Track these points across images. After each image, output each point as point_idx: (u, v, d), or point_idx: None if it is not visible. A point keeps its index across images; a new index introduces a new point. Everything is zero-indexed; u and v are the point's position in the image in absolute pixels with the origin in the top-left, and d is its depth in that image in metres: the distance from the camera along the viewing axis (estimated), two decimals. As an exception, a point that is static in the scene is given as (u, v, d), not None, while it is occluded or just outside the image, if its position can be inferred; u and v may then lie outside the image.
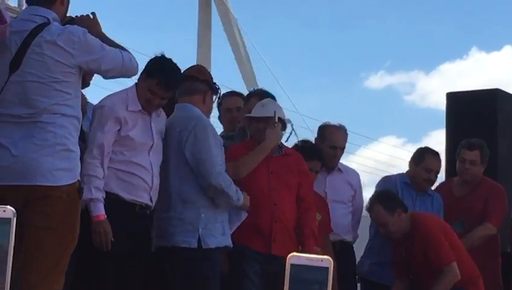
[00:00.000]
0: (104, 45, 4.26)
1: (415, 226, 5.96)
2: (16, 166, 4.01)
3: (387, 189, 6.36)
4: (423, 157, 6.47)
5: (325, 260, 1.36)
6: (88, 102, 5.13)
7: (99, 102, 4.82)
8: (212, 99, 5.21)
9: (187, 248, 4.83)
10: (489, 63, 45.50)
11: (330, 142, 6.47)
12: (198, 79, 5.04)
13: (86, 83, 5.20)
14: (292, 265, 1.35)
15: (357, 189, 6.72)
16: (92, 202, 4.57)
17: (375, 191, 6.44)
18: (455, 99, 7.65)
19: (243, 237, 5.24)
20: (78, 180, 4.14)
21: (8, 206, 1.21)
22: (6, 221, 1.22)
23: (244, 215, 5.11)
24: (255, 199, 5.26)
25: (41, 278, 4.00)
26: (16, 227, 3.78)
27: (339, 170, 6.60)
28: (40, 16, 4.21)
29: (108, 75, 4.45)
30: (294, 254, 1.37)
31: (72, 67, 4.13)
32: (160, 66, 4.81)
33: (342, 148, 6.56)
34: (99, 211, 4.59)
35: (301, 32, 48.07)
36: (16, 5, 17.64)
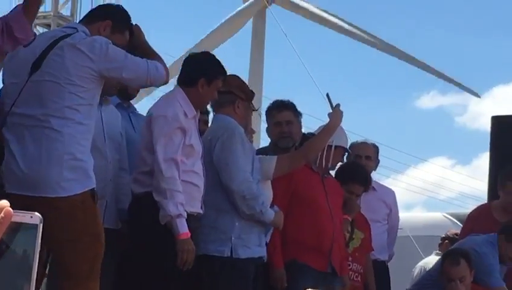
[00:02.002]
0: (129, 54, 4.27)
1: None
2: (26, 177, 4.04)
3: (468, 250, 6.15)
4: None
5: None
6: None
7: (157, 110, 4.70)
8: (246, 106, 5.16)
9: (219, 256, 4.85)
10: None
11: (354, 152, 6.53)
12: (223, 91, 4.96)
13: (129, 95, 5.28)
14: None
15: (392, 207, 6.76)
16: (178, 218, 4.47)
17: (464, 249, 6.18)
18: (500, 123, 7.60)
19: (303, 255, 5.35)
20: (92, 189, 4.12)
21: (36, 213, 1.24)
22: (33, 227, 1.25)
23: (268, 237, 5.09)
24: (318, 219, 5.41)
25: (75, 286, 4.05)
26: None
27: (373, 188, 6.62)
28: (73, 27, 4.34)
29: (133, 84, 4.53)
30: None
31: (91, 73, 4.15)
32: (215, 62, 4.84)
33: (368, 157, 6.59)
34: (186, 228, 4.49)
35: (354, 50, 48.04)
36: (69, 14, 17.89)
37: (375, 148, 6.74)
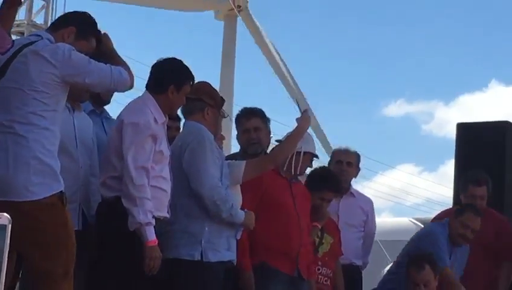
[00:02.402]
0: (92, 60, 4.33)
1: None
2: None
3: (430, 252, 6.29)
4: (463, 212, 6.45)
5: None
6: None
7: (128, 116, 4.71)
8: (216, 113, 5.23)
9: (189, 260, 4.90)
10: (508, 96, 45.52)
11: (336, 157, 6.72)
12: (193, 99, 5.04)
13: (102, 101, 5.36)
14: None
15: (369, 215, 6.87)
16: (148, 226, 4.52)
17: (424, 252, 6.29)
18: (465, 130, 7.73)
19: (272, 259, 5.45)
20: (61, 191, 4.17)
21: (5, 214, 1.32)
22: (2, 227, 1.32)
23: (239, 235, 5.17)
24: (285, 223, 5.52)
25: (50, 288, 4.12)
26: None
27: (352, 194, 6.77)
28: (37, 35, 4.40)
29: (97, 89, 4.59)
30: None
31: (54, 79, 4.20)
32: (183, 68, 4.89)
33: (349, 163, 6.75)
34: (153, 235, 4.56)
35: (322, 59, 48.17)
36: (42, 22, 17.91)
37: (357, 156, 6.87)
